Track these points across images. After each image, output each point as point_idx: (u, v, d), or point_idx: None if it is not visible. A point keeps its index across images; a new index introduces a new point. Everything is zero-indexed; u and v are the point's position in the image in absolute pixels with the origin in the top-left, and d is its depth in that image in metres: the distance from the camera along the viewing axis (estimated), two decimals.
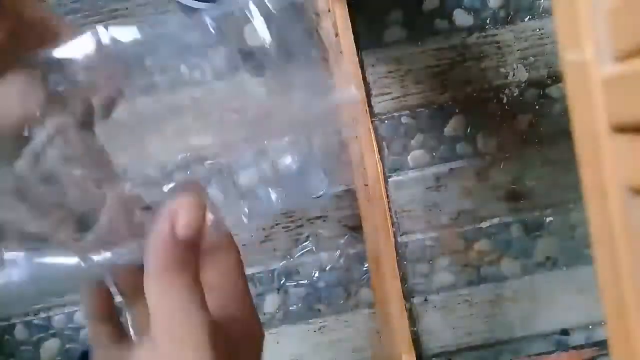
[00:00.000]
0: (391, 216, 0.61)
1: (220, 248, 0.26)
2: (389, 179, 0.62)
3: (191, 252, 0.22)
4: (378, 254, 0.55)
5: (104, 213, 0.23)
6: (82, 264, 0.22)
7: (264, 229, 0.62)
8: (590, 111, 0.16)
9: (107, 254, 0.22)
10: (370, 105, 0.61)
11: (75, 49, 0.22)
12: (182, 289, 0.21)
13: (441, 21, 0.62)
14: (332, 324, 0.62)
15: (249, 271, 0.60)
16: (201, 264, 0.25)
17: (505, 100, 0.62)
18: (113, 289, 0.27)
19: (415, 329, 0.61)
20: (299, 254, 0.62)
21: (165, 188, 0.24)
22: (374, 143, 0.60)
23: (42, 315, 0.61)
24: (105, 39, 0.21)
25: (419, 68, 0.61)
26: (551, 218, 0.62)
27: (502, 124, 0.62)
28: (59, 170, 0.21)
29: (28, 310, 0.61)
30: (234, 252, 0.26)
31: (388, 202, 0.61)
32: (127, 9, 0.62)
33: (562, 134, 0.61)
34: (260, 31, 0.24)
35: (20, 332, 0.61)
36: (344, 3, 0.50)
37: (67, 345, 0.61)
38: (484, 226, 0.62)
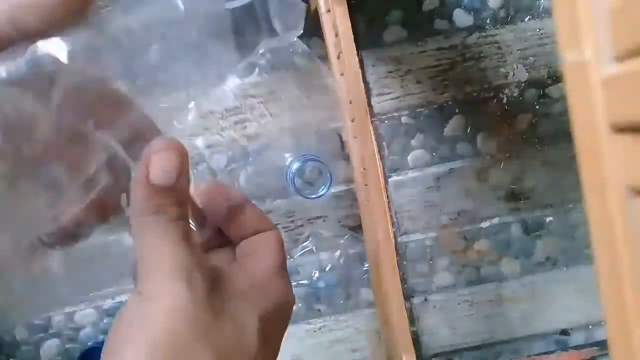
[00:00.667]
0: (391, 216, 0.61)
1: (262, 229, 0.26)
2: (389, 179, 0.62)
3: (168, 196, 0.22)
4: (378, 254, 0.55)
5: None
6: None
7: None
8: (590, 111, 0.16)
9: None
10: (370, 105, 0.61)
11: None
12: (157, 230, 0.21)
13: (441, 21, 0.62)
14: (332, 324, 0.62)
15: None
16: (242, 249, 0.25)
17: (505, 100, 0.62)
18: None
19: (415, 329, 0.61)
20: (299, 254, 0.62)
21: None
22: (374, 143, 0.60)
23: (42, 315, 0.61)
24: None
25: (419, 68, 0.61)
26: (551, 218, 0.62)
27: (502, 124, 0.62)
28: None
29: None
30: (276, 233, 0.26)
31: (388, 202, 0.61)
32: None
33: (562, 134, 0.61)
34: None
35: (20, 332, 0.61)
36: (344, 3, 0.50)
37: (67, 345, 0.61)
38: (484, 226, 0.62)
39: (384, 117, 0.62)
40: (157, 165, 0.22)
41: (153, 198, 0.22)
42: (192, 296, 0.21)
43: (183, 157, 0.22)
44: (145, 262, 0.21)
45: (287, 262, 0.64)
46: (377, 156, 0.59)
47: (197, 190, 0.25)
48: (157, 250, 0.21)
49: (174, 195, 0.22)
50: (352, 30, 0.50)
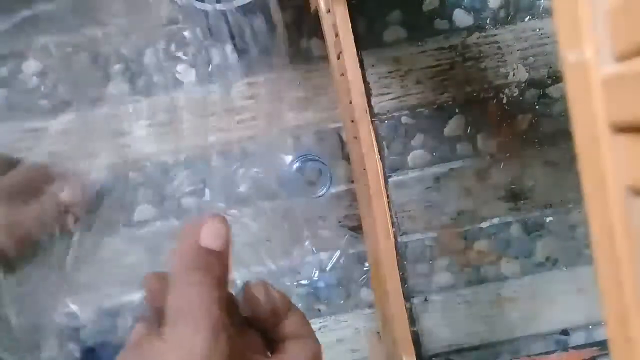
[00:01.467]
0: (391, 216, 0.61)
1: (302, 335, 0.28)
2: (389, 179, 0.62)
3: (214, 260, 0.24)
4: (378, 254, 0.54)
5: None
6: None
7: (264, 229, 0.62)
8: (590, 111, 0.16)
9: None
10: (370, 105, 0.61)
11: None
12: (201, 287, 0.22)
13: (441, 21, 0.62)
14: (332, 324, 0.62)
15: (249, 271, 0.60)
16: (281, 347, 0.26)
17: (505, 100, 0.62)
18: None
19: (415, 329, 0.61)
20: (299, 254, 0.62)
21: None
22: (374, 143, 0.60)
23: (42, 315, 0.61)
24: None
25: (419, 68, 0.61)
26: (551, 218, 0.62)
27: (502, 124, 0.62)
28: None
29: None
30: (314, 343, 0.28)
31: (388, 202, 0.61)
32: None
33: (562, 134, 0.61)
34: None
35: (19, 332, 0.61)
36: (344, 3, 0.50)
37: (67, 345, 0.61)
38: (484, 226, 0.62)
39: (384, 117, 0.62)
40: (210, 230, 0.24)
41: (202, 258, 0.23)
42: (211, 351, 0.21)
43: (229, 230, 0.25)
44: (177, 309, 0.22)
45: (287, 262, 0.64)
46: (377, 156, 0.59)
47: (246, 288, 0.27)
48: (193, 303, 0.22)
49: (221, 259, 0.24)
50: (352, 31, 0.50)
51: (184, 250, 0.24)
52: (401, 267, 0.61)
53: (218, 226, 0.24)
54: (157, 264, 0.58)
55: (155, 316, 0.24)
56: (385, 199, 0.59)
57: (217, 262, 0.24)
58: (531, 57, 0.61)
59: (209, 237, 0.23)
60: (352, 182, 0.61)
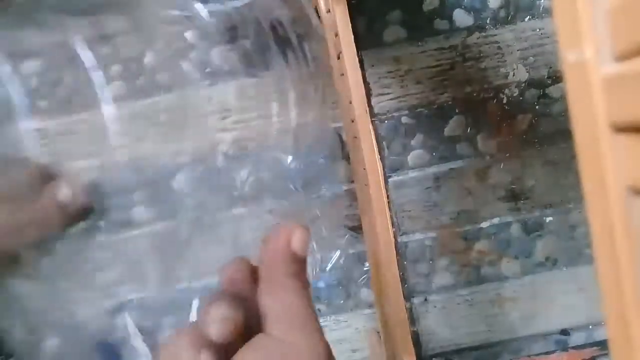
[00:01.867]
0: (391, 216, 0.61)
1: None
2: (389, 179, 0.62)
3: (304, 268, 0.27)
4: (378, 254, 0.54)
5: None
6: None
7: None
8: (590, 111, 0.16)
9: None
10: (370, 105, 0.61)
11: None
12: (298, 291, 0.26)
13: (441, 21, 0.62)
14: (332, 324, 0.62)
15: None
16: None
17: (505, 100, 0.62)
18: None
19: (415, 329, 0.61)
20: None
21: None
22: (374, 143, 0.60)
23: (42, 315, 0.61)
24: None
25: (419, 68, 0.61)
26: (551, 218, 0.62)
27: (502, 124, 0.62)
28: None
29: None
30: None
31: (388, 202, 0.61)
32: None
33: (562, 134, 0.61)
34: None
35: (19, 331, 0.61)
36: (344, 3, 0.50)
37: (67, 345, 0.61)
38: (484, 226, 0.62)
39: (384, 117, 0.62)
40: (301, 239, 0.26)
41: (294, 264, 0.26)
42: (329, 357, 0.25)
43: (310, 235, 0.27)
44: (280, 312, 0.25)
45: None
46: (377, 156, 0.59)
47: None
48: (303, 310, 0.25)
49: (305, 265, 0.27)
50: (352, 30, 0.50)
51: (280, 255, 0.26)
52: (401, 267, 0.61)
53: (306, 235, 0.26)
54: (158, 263, 0.58)
55: (235, 301, 0.25)
56: (385, 199, 0.59)
57: (304, 269, 0.26)
58: (531, 57, 0.61)
59: (299, 245, 0.26)
60: (352, 182, 0.61)
